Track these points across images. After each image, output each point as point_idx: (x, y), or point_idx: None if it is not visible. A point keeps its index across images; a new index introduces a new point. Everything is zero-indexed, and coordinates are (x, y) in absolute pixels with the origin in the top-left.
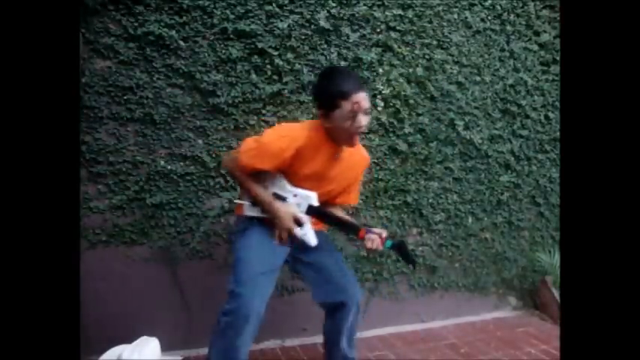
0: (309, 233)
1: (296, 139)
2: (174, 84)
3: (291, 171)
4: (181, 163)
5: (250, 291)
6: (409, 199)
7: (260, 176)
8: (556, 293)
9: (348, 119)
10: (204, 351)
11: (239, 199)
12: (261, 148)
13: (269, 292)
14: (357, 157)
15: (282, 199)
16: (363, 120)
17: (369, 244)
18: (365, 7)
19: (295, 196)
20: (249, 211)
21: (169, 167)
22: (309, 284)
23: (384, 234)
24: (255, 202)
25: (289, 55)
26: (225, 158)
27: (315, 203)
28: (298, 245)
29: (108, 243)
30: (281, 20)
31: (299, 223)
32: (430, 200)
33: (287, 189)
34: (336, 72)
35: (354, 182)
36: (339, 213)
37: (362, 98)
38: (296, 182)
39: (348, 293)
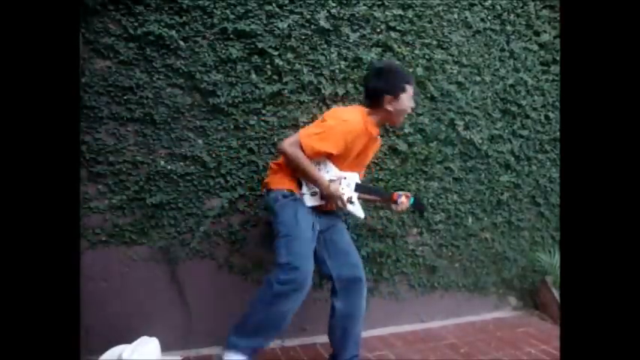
0: (358, 210)
1: (358, 122)
2: (174, 84)
3: (344, 154)
4: (181, 163)
5: (307, 263)
6: None
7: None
8: (556, 293)
9: (411, 100)
10: (204, 351)
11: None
12: (328, 132)
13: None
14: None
15: (338, 181)
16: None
17: (400, 207)
18: (365, 7)
19: (345, 178)
20: (310, 202)
21: (169, 167)
22: (327, 259)
23: (409, 194)
24: (315, 185)
25: (289, 55)
26: (283, 144)
27: (359, 180)
28: (326, 224)
29: (108, 243)
30: (281, 20)
31: (350, 201)
32: (430, 200)
33: (337, 174)
34: (394, 65)
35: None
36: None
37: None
38: (342, 165)
39: (361, 270)
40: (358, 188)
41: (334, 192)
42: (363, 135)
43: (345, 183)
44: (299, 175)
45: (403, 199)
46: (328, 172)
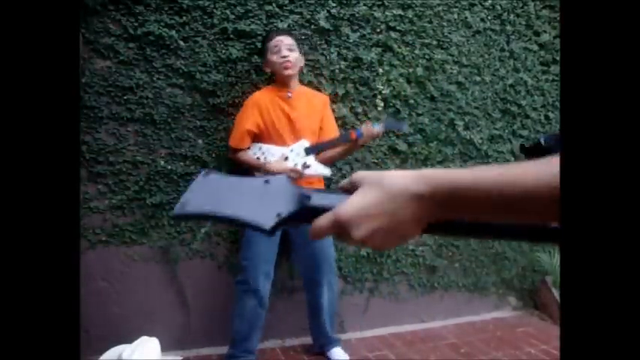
0: (318, 169)
1: (252, 99)
2: (174, 84)
3: (267, 127)
4: (181, 163)
5: (257, 265)
6: None
7: (258, 159)
8: (556, 293)
9: (273, 54)
10: (204, 351)
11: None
12: (235, 127)
13: (273, 255)
14: (315, 99)
15: (283, 157)
16: (284, 52)
17: (365, 139)
18: (365, 7)
19: (292, 150)
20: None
21: (169, 167)
22: (296, 258)
23: (369, 122)
24: (264, 172)
25: None
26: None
27: (308, 144)
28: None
29: (108, 243)
30: (281, 20)
31: (305, 166)
32: None
33: (281, 152)
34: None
35: (325, 119)
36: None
37: (280, 39)
38: (277, 139)
39: (322, 273)
40: (310, 150)
41: (277, 168)
42: (252, 105)
43: (295, 153)
44: (253, 171)
45: (363, 128)
46: (273, 155)
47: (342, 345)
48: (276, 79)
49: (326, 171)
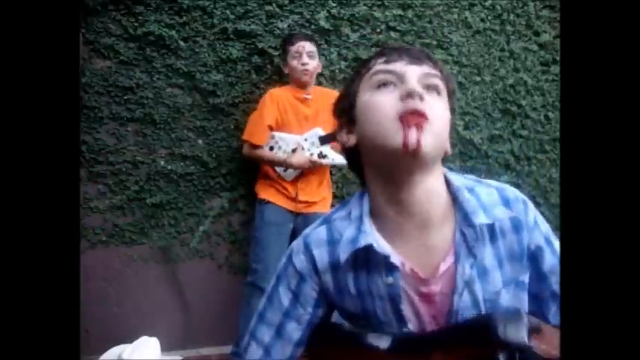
0: (335, 158)
1: (271, 95)
2: (174, 84)
3: (284, 124)
4: (181, 163)
5: (265, 266)
6: None
7: (272, 148)
8: None
9: (294, 59)
10: (204, 351)
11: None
12: (252, 120)
13: (282, 250)
14: (328, 97)
15: (300, 147)
16: (305, 59)
17: None
18: (365, 7)
19: (306, 140)
20: (262, 193)
21: (169, 167)
22: None
23: None
24: (281, 165)
25: None
26: (243, 151)
27: (322, 133)
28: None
29: (108, 243)
30: (281, 20)
31: (322, 156)
32: None
33: (294, 140)
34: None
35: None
36: None
37: (302, 45)
38: (294, 131)
39: None
40: (324, 139)
41: (299, 162)
42: (271, 101)
43: (309, 142)
44: (268, 165)
45: None
46: (287, 144)
47: None
48: (293, 82)
49: (343, 160)
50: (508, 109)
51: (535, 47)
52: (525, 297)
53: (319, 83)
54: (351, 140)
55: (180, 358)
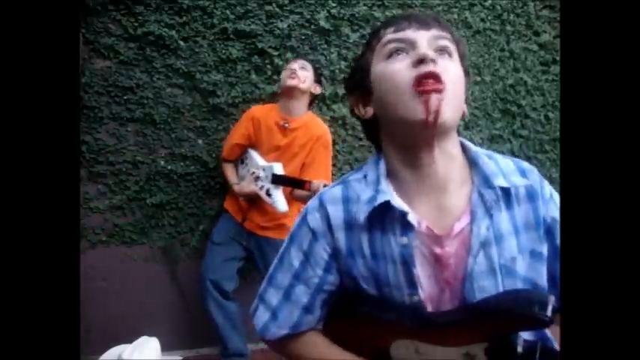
0: (276, 202)
1: (250, 113)
2: (174, 84)
3: (255, 142)
4: (181, 163)
5: (209, 273)
6: None
7: (242, 162)
8: None
9: (284, 70)
10: (204, 351)
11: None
12: (229, 136)
13: (223, 261)
14: (312, 130)
15: (255, 174)
16: (293, 66)
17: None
18: (365, 7)
19: (264, 169)
20: (225, 201)
21: (169, 167)
22: None
23: (327, 182)
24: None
25: (289, 55)
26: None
27: (279, 172)
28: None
29: (108, 243)
30: (281, 20)
31: (268, 193)
32: None
33: (258, 165)
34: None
35: (316, 155)
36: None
37: (297, 60)
38: (266, 157)
39: None
40: (276, 179)
41: (241, 191)
42: (248, 119)
43: (265, 174)
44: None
45: (318, 184)
46: (246, 166)
47: None
48: (281, 94)
49: (282, 208)
50: (508, 109)
51: (535, 47)
52: (543, 271)
53: (317, 68)
54: (368, 112)
55: (180, 358)
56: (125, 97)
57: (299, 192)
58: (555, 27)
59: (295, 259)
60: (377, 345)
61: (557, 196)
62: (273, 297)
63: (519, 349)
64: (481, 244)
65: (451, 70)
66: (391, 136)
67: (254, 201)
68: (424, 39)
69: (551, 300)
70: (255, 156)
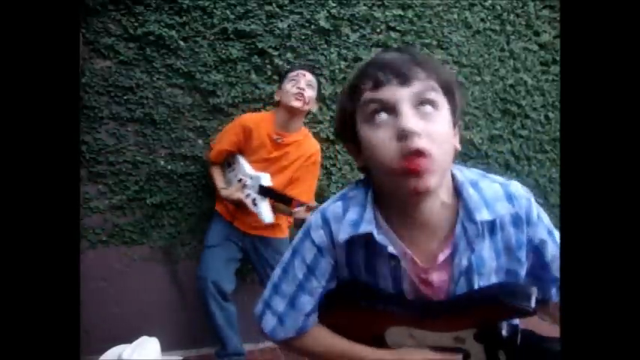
0: (263, 212)
1: (241, 118)
2: (174, 84)
3: (244, 149)
4: (181, 163)
5: (207, 273)
6: None
7: (230, 165)
8: None
9: (289, 82)
10: (204, 351)
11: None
12: (217, 139)
13: (222, 262)
14: (305, 147)
15: (242, 182)
16: (302, 84)
17: (297, 215)
18: (365, 7)
19: (251, 178)
20: (216, 204)
21: (169, 167)
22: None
23: (312, 204)
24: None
25: (289, 55)
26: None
27: (266, 183)
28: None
29: (108, 243)
30: (281, 20)
31: (254, 203)
32: None
33: (246, 172)
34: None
35: (304, 173)
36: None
37: (303, 72)
38: (254, 165)
39: None
40: (262, 190)
41: (227, 196)
42: (239, 126)
43: (252, 183)
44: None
45: (301, 208)
46: (233, 171)
47: None
48: (280, 108)
49: (267, 219)
50: (508, 109)
51: (535, 47)
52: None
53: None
54: (359, 163)
55: (180, 358)
56: (125, 97)
57: (281, 206)
58: (555, 27)
59: (299, 271)
60: (374, 332)
61: (543, 214)
62: (279, 305)
63: (504, 332)
64: (461, 272)
65: (437, 130)
66: (380, 186)
67: (242, 204)
68: (406, 100)
69: (534, 292)
70: (243, 163)
